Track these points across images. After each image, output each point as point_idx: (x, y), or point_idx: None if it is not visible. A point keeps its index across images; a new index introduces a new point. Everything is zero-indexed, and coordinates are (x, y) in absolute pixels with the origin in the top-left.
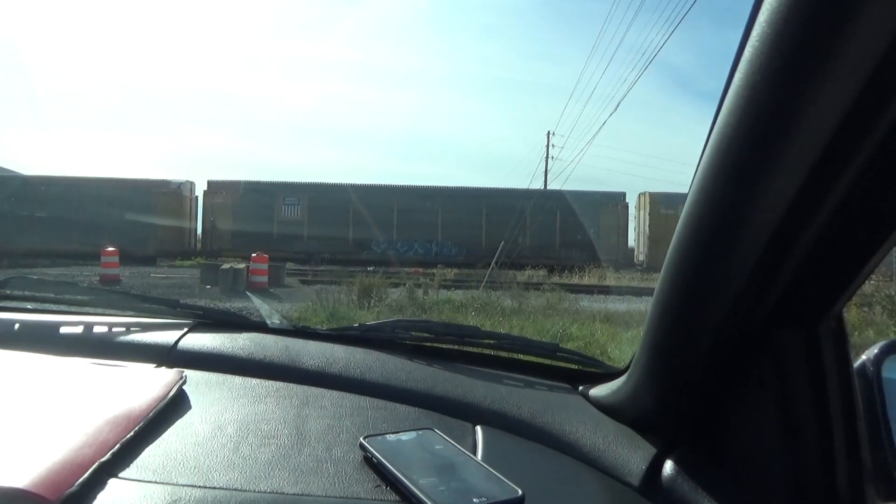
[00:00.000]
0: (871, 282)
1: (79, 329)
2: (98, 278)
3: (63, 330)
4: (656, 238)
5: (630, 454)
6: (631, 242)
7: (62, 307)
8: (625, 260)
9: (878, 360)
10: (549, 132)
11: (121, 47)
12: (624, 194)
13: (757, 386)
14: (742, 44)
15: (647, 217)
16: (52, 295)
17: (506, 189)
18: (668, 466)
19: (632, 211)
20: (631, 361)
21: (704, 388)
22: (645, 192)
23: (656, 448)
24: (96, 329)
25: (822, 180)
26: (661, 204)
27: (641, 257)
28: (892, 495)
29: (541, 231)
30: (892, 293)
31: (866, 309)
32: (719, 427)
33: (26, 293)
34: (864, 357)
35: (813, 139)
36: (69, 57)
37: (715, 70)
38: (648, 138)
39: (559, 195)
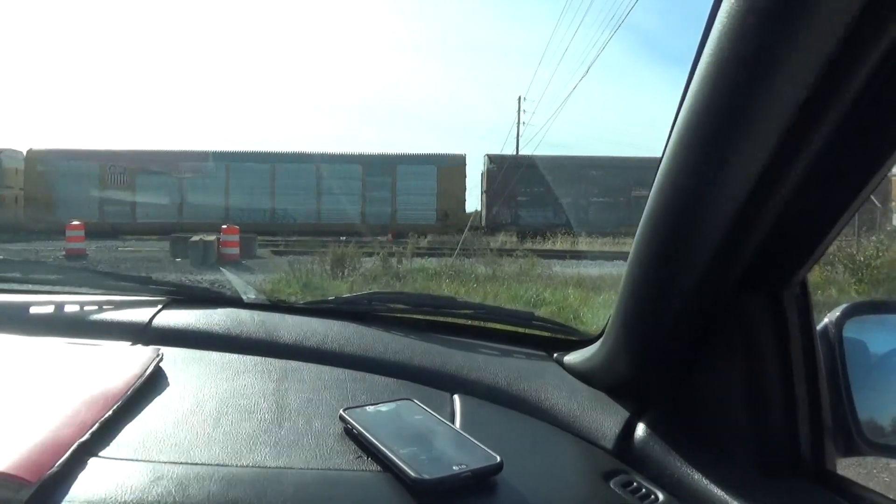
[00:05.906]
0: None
1: (49, 309)
2: (63, 253)
3: (33, 310)
4: (30, 197)
5: (604, 418)
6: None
7: (29, 287)
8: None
9: (840, 323)
10: (519, 97)
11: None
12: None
13: (725, 349)
14: None
15: (24, 176)
16: (18, 275)
17: None
18: (641, 429)
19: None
20: (605, 328)
21: (675, 352)
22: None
23: (629, 412)
24: (67, 308)
25: (791, 145)
26: (37, 162)
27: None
28: (850, 451)
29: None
30: (854, 252)
31: (829, 268)
32: (689, 390)
33: None
34: (826, 320)
35: (788, 95)
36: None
37: (682, 30)
38: (618, 102)
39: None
